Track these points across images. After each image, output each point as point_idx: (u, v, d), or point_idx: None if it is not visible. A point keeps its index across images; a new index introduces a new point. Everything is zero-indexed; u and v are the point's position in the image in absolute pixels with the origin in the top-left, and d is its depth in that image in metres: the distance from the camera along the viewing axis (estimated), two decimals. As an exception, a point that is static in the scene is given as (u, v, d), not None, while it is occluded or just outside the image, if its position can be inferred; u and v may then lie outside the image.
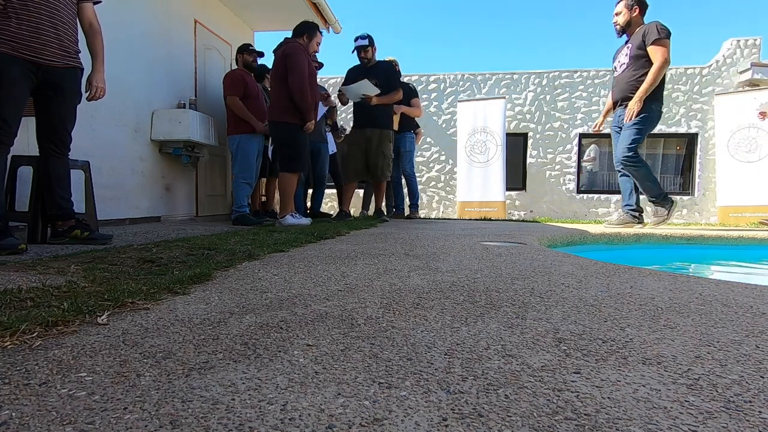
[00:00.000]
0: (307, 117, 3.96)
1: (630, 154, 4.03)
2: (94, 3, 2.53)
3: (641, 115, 3.95)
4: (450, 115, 7.95)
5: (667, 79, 7.31)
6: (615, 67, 4.32)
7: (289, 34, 4.16)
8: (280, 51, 3.96)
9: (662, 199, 4.14)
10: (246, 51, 4.75)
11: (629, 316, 1.06)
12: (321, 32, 4.26)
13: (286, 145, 4.02)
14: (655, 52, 3.84)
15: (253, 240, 2.60)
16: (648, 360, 0.78)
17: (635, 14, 4.01)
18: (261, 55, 4.87)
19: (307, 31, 4.08)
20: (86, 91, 2.50)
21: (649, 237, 3.81)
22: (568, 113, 7.72)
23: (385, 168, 4.86)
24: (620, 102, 4.17)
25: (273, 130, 4.08)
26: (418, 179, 7.95)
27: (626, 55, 4.09)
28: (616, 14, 4.12)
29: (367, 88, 4.54)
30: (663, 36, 3.81)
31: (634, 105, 3.92)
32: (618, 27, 4.14)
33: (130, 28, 3.95)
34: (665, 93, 7.39)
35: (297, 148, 4.01)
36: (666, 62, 3.83)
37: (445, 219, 6.61)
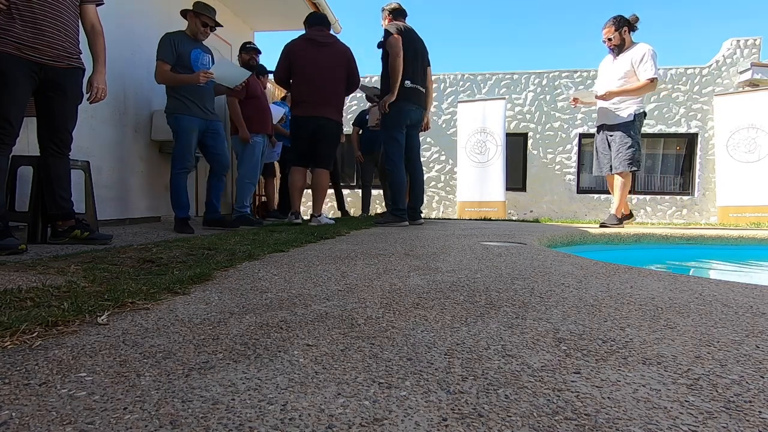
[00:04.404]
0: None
1: (385, 156, 4.14)
2: (97, 5, 2.53)
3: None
4: (450, 115, 7.95)
5: (667, 79, 7.39)
6: None
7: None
8: (339, 49, 3.99)
9: (394, 212, 4.10)
10: (243, 50, 4.73)
11: (629, 316, 1.06)
12: None
13: (332, 143, 4.13)
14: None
15: (253, 240, 2.60)
16: (648, 360, 0.78)
17: (385, 22, 4.11)
18: (258, 52, 4.83)
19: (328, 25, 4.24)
20: (87, 92, 2.50)
21: (649, 237, 3.81)
22: (568, 113, 7.72)
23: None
24: None
25: (323, 126, 4.05)
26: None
27: None
28: None
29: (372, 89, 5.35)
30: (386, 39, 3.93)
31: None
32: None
33: (130, 27, 3.95)
34: (665, 93, 7.43)
35: (335, 147, 4.18)
36: (394, 58, 3.84)
37: (445, 219, 6.61)
